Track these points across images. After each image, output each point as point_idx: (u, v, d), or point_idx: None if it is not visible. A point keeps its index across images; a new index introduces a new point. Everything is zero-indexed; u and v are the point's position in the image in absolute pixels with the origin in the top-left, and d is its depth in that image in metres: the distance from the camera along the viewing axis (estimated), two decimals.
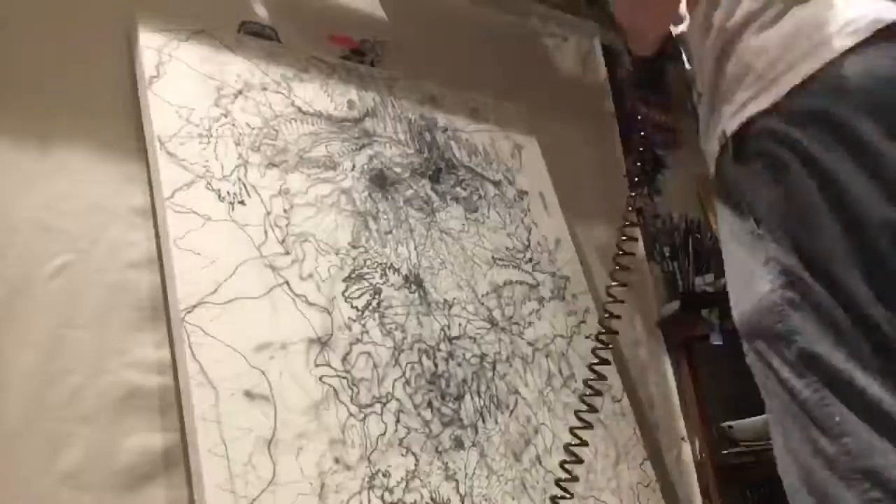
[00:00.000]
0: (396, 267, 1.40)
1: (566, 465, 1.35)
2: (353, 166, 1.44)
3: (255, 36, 1.44)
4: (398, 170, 1.52)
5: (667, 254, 2.15)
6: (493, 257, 1.58)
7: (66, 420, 1.03)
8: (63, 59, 1.20)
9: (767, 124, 0.74)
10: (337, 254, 1.32)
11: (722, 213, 0.81)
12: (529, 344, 1.53)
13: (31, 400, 1.02)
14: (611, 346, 1.43)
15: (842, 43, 0.71)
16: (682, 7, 0.93)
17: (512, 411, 1.42)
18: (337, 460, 1.14)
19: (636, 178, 1.29)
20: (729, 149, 0.79)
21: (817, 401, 0.66)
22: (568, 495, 1.33)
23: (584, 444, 1.37)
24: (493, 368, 1.44)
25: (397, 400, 1.27)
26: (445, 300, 1.44)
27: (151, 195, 1.19)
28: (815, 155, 0.70)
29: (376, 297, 1.34)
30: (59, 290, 1.08)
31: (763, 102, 0.75)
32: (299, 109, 1.41)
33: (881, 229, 0.68)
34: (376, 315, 1.32)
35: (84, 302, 1.10)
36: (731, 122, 0.79)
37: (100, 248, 1.14)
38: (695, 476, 1.86)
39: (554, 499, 1.31)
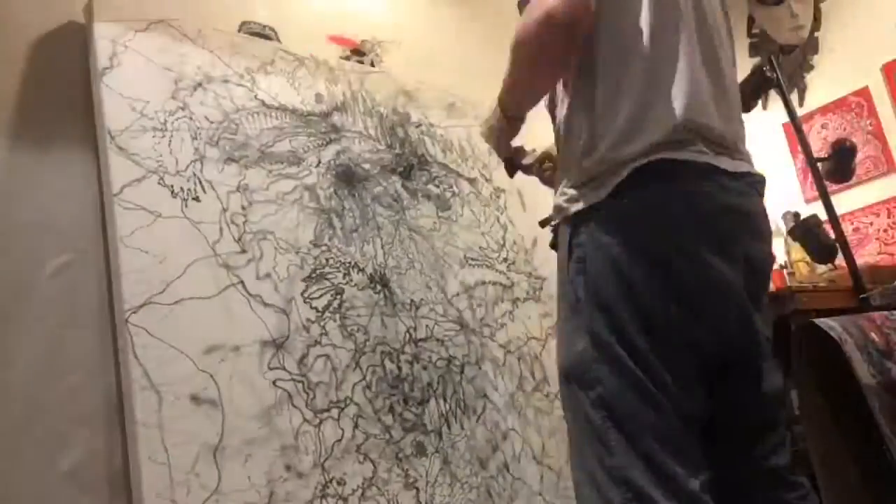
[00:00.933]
0: (361, 266, 1.37)
1: None
2: (319, 162, 1.41)
3: (255, 36, 1.43)
4: (367, 166, 1.49)
5: None
6: (465, 257, 1.56)
7: (66, 420, 1.03)
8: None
9: (588, 222, 0.96)
10: (297, 252, 1.30)
11: (559, 278, 1.03)
12: (501, 346, 1.52)
13: (31, 400, 1.02)
14: None
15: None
16: None
17: (479, 416, 1.40)
18: (288, 468, 1.12)
19: None
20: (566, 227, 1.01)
21: (605, 429, 0.92)
22: None
23: None
24: (462, 372, 1.42)
25: (356, 404, 1.24)
26: (412, 301, 1.42)
27: (100, 190, 1.16)
28: (616, 258, 0.93)
29: (338, 297, 1.31)
30: (59, 290, 1.08)
31: (584, 203, 0.97)
32: (263, 103, 1.38)
33: (660, 313, 0.93)
34: (337, 316, 1.29)
35: (84, 302, 1.10)
36: (573, 206, 0.99)
37: (100, 249, 1.13)
38: None
39: None
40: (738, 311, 0.99)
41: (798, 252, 2.37)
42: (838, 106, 2.74)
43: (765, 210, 1.06)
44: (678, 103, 0.95)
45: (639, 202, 0.94)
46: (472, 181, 1.67)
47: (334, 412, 1.21)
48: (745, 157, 1.09)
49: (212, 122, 1.29)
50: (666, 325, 0.93)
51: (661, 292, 0.93)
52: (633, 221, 0.94)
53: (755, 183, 1.06)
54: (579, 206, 0.97)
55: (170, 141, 1.23)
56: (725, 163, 1.01)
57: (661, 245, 0.94)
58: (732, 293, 0.98)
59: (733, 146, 1.05)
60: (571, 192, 0.99)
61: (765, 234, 1.05)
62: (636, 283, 0.93)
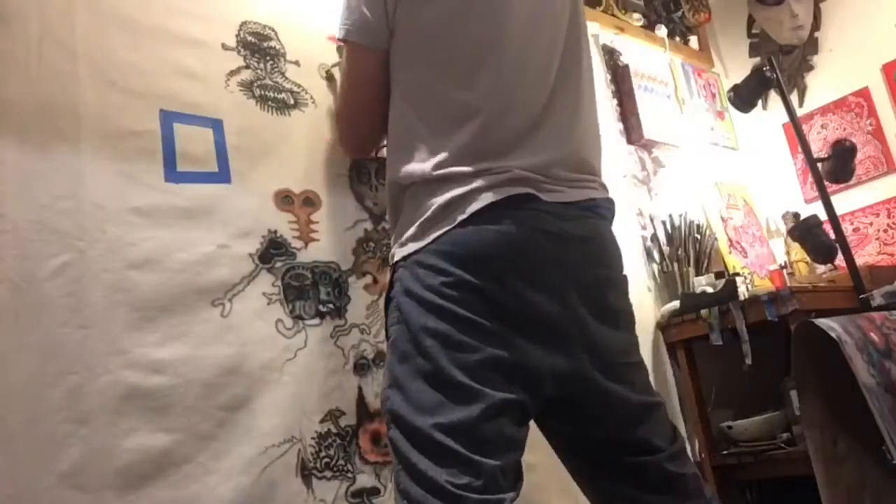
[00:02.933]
0: None
1: None
2: None
3: (255, 36, 1.44)
4: None
5: (666, 254, 2.16)
6: None
7: (66, 420, 1.03)
8: None
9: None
10: None
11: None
12: None
13: (31, 400, 1.02)
14: None
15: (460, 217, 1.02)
16: None
17: None
18: None
19: None
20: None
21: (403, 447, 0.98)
22: None
23: None
24: None
25: None
26: None
27: None
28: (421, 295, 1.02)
29: None
30: (59, 290, 1.08)
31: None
32: None
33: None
34: None
35: (84, 302, 1.10)
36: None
37: (100, 248, 1.13)
38: None
39: None
40: (559, 340, 1.03)
41: (798, 252, 2.38)
42: (838, 106, 2.74)
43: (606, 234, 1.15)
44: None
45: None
46: None
47: None
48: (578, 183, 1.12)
49: None
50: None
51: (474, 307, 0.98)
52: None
53: (593, 207, 1.12)
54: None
55: None
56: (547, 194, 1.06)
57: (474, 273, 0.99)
58: (552, 324, 1.02)
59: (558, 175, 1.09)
60: None
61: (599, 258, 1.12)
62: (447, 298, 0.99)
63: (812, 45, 2.82)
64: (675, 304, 2.00)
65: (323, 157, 1.44)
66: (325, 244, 1.38)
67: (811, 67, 2.83)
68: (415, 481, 0.94)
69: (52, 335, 1.06)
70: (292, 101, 1.44)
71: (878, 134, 2.63)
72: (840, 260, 2.02)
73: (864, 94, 2.67)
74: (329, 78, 1.50)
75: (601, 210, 1.14)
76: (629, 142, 2.32)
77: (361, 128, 1.33)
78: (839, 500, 1.40)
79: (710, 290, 1.97)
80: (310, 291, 1.33)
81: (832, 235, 2.03)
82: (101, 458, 1.04)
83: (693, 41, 2.83)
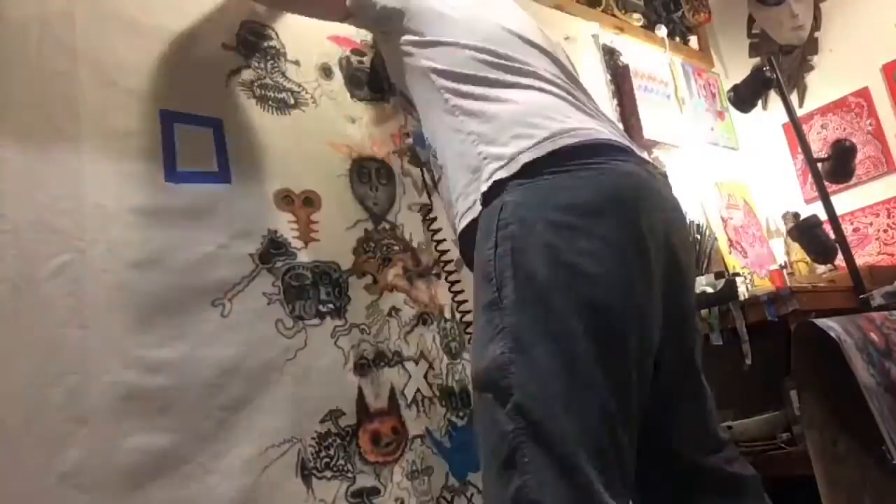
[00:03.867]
0: None
1: None
2: None
3: (255, 36, 1.44)
4: None
5: None
6: None
7: (66, 420, 1.03)
8: None
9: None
10: None
11: (475, 280, 0.97)
12: None
13: (31, 400, 1.02)
14: None
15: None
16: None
17: None
18: None
19: None
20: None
21: (517, 444, 0.83)
22: None
23: None
24: None
25: None
26: None
27: None
28: (551, 241, 0.88)
29: None
30: (59, 290, 1.08)
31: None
32: None
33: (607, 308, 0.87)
34: None
35: (84, 302, 1.10)
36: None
37: (100, 248, 1.13)
38: None
39: None
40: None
41: (798, 252, 2.38)
42: (838, 106, 2.74)
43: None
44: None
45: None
46: None
47: None
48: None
49: None
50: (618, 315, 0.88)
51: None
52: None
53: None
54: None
55: None
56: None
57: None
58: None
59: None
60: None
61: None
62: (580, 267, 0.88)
63: (812, 45, 2.82)
64: None
65: (323, 157, 1.44)
66: (325, 244, 1.38)
67: (811, 67, 2.83)
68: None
69: (52, 335, 1.06)
70: (292, 101, 1.44)
71: (878, 134, 2.63)
72: (840, 260, 2.02)
73: (864, 94, 2.67)
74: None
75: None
76: None
77: None
78: (839, 500, 1.40)
79: (710, 290, 1.97)
80: (310, 291, 1.33)
81: (832, 235, 2.03)
82: (101, 458, 1.04)
83: (693, 41, 2.83)
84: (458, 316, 1.51)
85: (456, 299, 1.47)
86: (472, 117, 1.03)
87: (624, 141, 1.04)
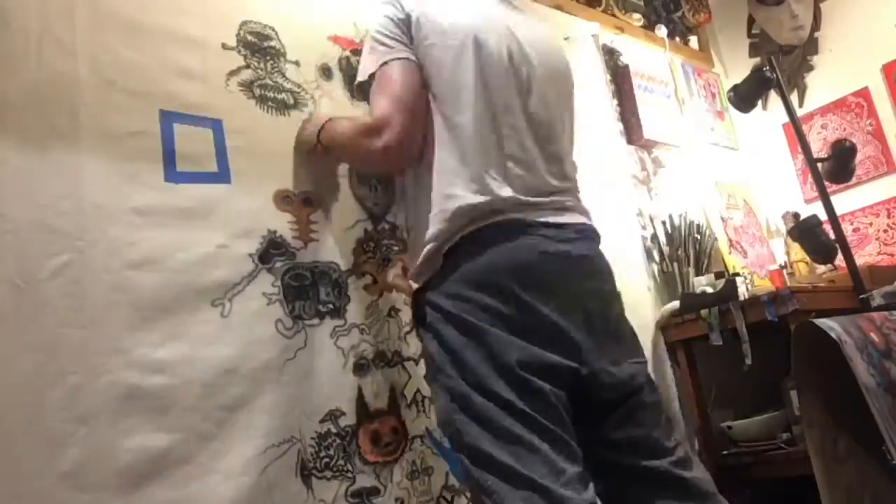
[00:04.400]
0: None
1: None
2: None
3: (255, 36, 1.44)
4: None
5: (666, 254, 2.16)
6: None
7: (66, 420, 1.03)
8: None
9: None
10: None
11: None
12: None
13: (30, 400, 1.02)
14: None
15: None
16: None
17: None
18: None
19: None
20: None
21: (478, 474, 1.05)
22: None
23: None
24: None
25: None
26: None
27: None
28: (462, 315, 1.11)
29: None
30: (59, 290, 1.08)
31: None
32: None
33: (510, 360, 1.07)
34: None
35: (84, 302, 1.10)
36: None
37: (100, 248, 1.13)
38: None
39: None
40: (571, 347, 1.11)
41: (798, 252, 2.38)
42: (838, 106, 2.74)
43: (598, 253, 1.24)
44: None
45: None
46: None
47: None
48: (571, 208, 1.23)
49: None
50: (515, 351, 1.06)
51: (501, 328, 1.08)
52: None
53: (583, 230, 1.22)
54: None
55: None
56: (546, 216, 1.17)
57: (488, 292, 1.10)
58: (563, 332, 1.11)
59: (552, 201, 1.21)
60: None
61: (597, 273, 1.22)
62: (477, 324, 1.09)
63: (812, 45, 2.82)
64: (675, 304, 1.99)
65: (323, 158, 1.44)
66: (324, 244, 1.38)
67: (811, 67, 2.83)
68: None
69: (52, 335, 1.06)
70: (292, 101, 1.44)
71: (878, 134, 2.63)
72: (840, 260, 2.02)
73: (864, 94, 2.67)
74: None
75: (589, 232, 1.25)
76: (629, 142, 2.32)
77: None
78: (839, 501, 1.40)
79: (710, 290, 1.97)
80: (309, 291, 1.33)
81: (832, 235, 2.03)
82: (101, 458, 1.04)
83: (693, 41, 2.83)
84: None
85: None
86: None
87: (524, 214, 1.15)
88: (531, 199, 1.16)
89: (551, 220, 1.16)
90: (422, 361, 1.43)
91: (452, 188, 1.15)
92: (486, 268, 1.12)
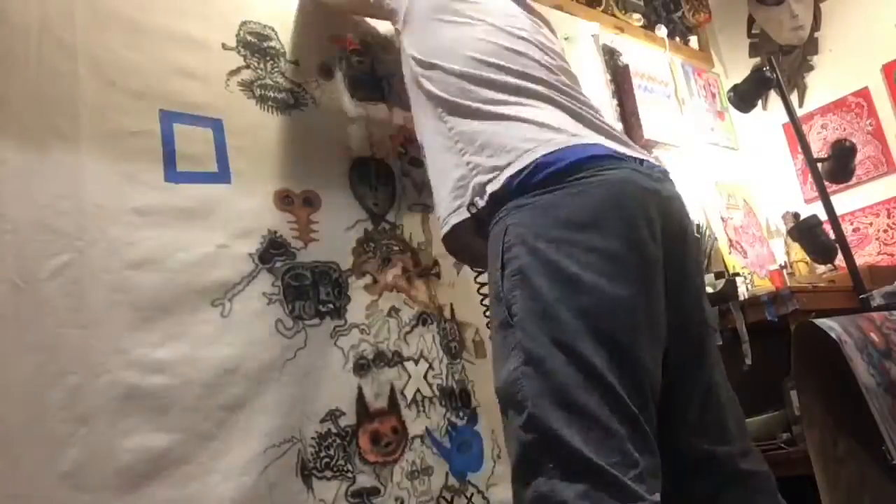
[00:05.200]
0: None
1: None
2: None
3: (255, 36, 1.44)
4: None
5: None
6: None
7: (66, 420, 1.03)
8: None
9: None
10: None
11: (490, 302, 1.03)
12: None
13: (31, 400, 1.02)
14: None
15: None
16: None
17: None
18: None
19: None
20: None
21: (535, 455, 0.88)
22: None
23: None
24: None
25: None
26: None
27: None
28: (551, 258, 0.93)
29: None
30: (59, 290, 1.08)
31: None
32: None
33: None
34: None
35: (84, 302, 1.10)
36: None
37: (100, 248, 1.13)
38: None
39: None
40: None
41: (798, 252, 2.38)
42: (838, 106, 2.74)
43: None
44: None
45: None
46: None
47: None
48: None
49: None
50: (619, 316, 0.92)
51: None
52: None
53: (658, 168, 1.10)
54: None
55: None
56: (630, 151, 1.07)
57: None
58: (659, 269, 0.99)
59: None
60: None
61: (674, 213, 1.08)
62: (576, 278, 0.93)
63: (812, 45, 2.82)
64: None
65: (323, 157, 1.44)
66: (324, 244, 1.38)
67: (811, 67, 2.82)
68: None
69: (52, 335, 1.06)
70: (292, 101, 1.44)
71: (878, 134, 2.63)
72: (840, 260, 2.02)
73: (864, 94, 2.67)
74: None
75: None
76: None
77: None
78: (839, 501, 1.40)
79: (710, 290, 1.97)
80: (310, 291, 1.33)
81: (832, 235, 2.03)
82: (101, 458, 1.04)
83: (693, 41, 2.83)
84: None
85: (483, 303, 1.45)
86: (464, 135, 1.10)
87: (616, 146, 1.05)
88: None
89: (638, 156, 1.06)
90: (421, 361, 1.43)
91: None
92: (595, 205, 0.96)
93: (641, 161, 1.06)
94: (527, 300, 0.94)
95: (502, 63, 1.13)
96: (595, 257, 0.93)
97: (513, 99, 1.10)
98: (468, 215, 1.07)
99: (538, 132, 1.04)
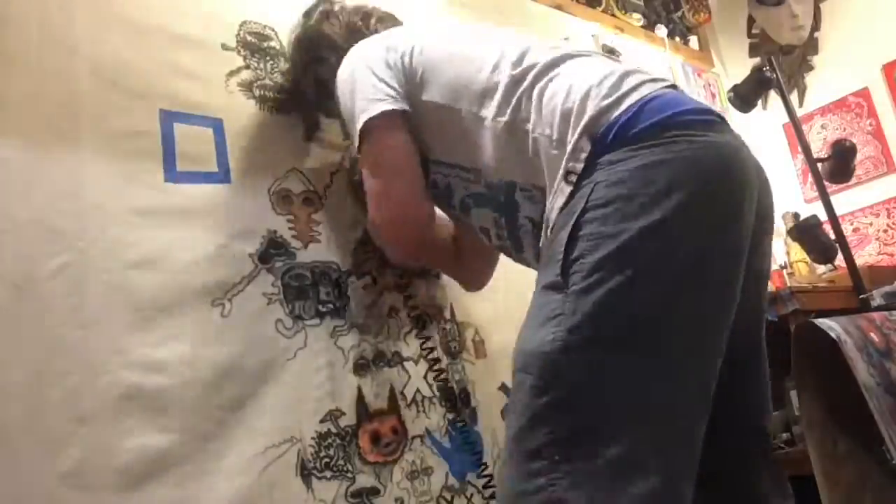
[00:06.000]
0: None
1: None
2: None
3: (255, 36, 1.44)
4: None
5: None
6: None
7: (66, 420, 1.03)
8: None
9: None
10: None
11: (542, 259, 0.92)
12: None
13: (30, 400, 1.02)
14: None
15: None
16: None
17: None
18: None
19: None
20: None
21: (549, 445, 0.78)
22: None
23: None
24: None
25: None
26: None
27: None
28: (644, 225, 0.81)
29: None
30: (59, 290, 1.08)
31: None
32: None
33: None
34: None
35: (84, 302, 1.10)
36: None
37: (100, 248, 1.13)
38: None
39: None
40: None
41: (798, 252, 2.38)
42: (838, 106, 2.74)
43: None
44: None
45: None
46: None
47: None
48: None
49: None
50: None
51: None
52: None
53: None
54: None
55: None
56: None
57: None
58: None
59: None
60: None
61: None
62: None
63: (812, 45, 2.82)
64: None
65: (323, 157, 1.44)
66: (324, 244, 1.38)
67: (811, 67, 2.83)
68: None
69: (52, 335, 1.06)
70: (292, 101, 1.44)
71: (877, 134, 2.64)
72: (840, 260, 2.02)
73: (863, 94, 2.67)
74: None
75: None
76: None
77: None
78: (839, 501, 1.40)
79: None
80: (309, 291, 1.33)
81: (832, 235, 2.03)
82: (101, 458, 1.04)
83: (693, 41, 2.83)
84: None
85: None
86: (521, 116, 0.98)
87: (709, 106, 0.97)
88: None
89: None
90: (421, 361, 1.43)
91: None
92: (700, 164, 0.87)
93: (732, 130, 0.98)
94: (599, 269, 0.83)
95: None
96: (693, 228, 0.84)
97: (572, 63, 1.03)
98: None
99: (622, 82, 0.95)
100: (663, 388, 0.79)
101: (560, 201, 0.89)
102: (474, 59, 1.06)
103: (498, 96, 1.01)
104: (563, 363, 0.79)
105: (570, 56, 1.02)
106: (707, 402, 0.83)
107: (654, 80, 0.94)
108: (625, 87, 0.91)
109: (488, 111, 1.01)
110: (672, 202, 0.81)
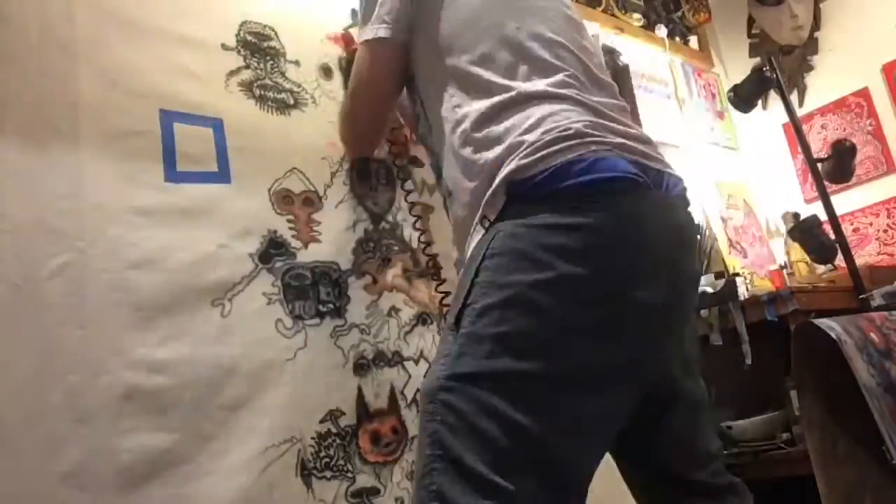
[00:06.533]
0: None
1: None
2: None
3: (255, 36, 1.44)
4: None
5: None
6: None
7: (66, 420, 1.03)
8: None
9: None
10: None
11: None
12: None
13: (30, 400, 1.02)
14: None
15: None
16: None
17: None
18: None
19: None
20: None
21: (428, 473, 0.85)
22: None
23: None
24: None
25: None
26: None
27: None
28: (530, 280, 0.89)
29: None
30: (59, 290, 1.08)
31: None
32: None
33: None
34: None
35: (84, 302, 1.10)
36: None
37: (100, 248, 1.13)
38: None
39: None
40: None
41: (798, 252, 2.38)
42: (838, 106, 2.74)
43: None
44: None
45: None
46: None
47: None
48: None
49: None
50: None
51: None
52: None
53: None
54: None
55: None
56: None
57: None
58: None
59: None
60: None
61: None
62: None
63: (812, 45, 2.82)
64: None
65: (323, 157, 1.44)
66: (324, 244, 1.38)
67: (811, 67, 2.83)
68: None
69: (52, 335, 1.06)
70: (292, 101, 1.44)
71: (877, 134, 2.64)
72: (840, 260, 2.02)
73: (864, 94, 2.67)
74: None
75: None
76: None
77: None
78: (839, 501, 1.40)
79: (710, 290, 1.97)
80: (310, 291, 1.33)
81: (832, 235, 2.03)
82: (101, 458, 1.04)
83: (693, 41, 2.84)
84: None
85: (443, 302, 1.46)
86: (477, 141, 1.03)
87: (636, 158, 1.02)
88: None
89: None
90: (421, 361, 1.43)
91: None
92: (596, 232, 0.93)
93: (656, 186, 1.05)
94: (486, 315, 0.92)
95: (531, 52, 1.12)
96: (580, 292, 0.90)
97: (539, 89, 1.09)
98: None
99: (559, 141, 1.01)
100: (534, 433, 0.84)
101: (475, 240, 0.97)
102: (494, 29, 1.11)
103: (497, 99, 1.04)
104: (444, 399, 0.86)
105: (548, 96, 1.02)
106: (585, 440, 0.89)
107: (599, 142, 0.96)
108: (560, 144, 0.93)
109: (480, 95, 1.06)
110: (559, 268, 0.87)
